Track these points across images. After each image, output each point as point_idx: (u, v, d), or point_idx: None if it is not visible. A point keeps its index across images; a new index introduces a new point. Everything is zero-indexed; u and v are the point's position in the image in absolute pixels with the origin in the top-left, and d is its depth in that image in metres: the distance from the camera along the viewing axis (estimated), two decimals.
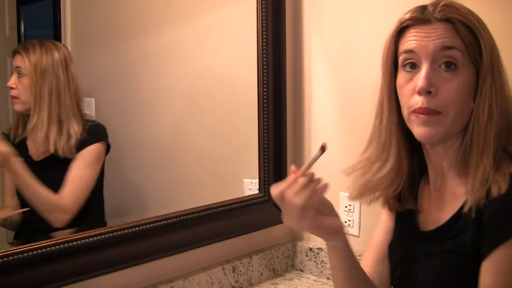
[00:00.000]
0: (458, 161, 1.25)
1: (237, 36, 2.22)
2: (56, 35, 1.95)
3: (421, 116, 1.22)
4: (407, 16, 1.27)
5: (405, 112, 1.27)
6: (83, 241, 1.62)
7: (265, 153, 2.14)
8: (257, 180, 2.16)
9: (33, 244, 1.53)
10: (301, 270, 2.22)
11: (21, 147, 1.80)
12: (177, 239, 1.85)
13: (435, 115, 1.20)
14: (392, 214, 1.48)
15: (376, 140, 1.36)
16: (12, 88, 1.82)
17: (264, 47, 2.10)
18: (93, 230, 1.67)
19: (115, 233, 1.70)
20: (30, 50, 1.82)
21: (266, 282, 2.11)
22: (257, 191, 2.16)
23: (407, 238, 1.38)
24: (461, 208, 1.21)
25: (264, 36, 2.09)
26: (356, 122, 2.08)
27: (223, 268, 1.98)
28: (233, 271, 2.01)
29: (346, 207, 2.11)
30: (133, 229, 1.75)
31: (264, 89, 2.11)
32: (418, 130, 1.24)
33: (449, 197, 1.28)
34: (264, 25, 2.09)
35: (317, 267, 2.18)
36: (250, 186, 2.18)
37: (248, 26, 2.11)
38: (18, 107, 1.84)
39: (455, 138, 1.26)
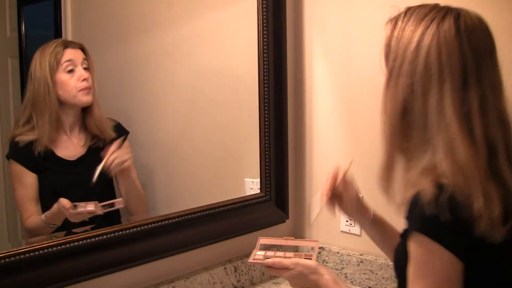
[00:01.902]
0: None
1: (238, 36, 2.22)
2: (57, 36, 1.95)
3: None
4: None
5: None
6: (85, 241, 1.63)
7: (266, 152, 2.14)
8: (259, 179, 2.16)
9: (35, 244, 1.53)
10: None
11: (46, 153, 1.81)
12: (178, 239, 1.85)
13: None
14: None
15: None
16: (85, 80, 1.86)
17: (265, 47, 2.10)
18: (94, 231, 1.67)
19: (116, 233, 1.71)
20: (83, 45, 1.89)
21: (267, 282, 2.11)
22: (258, 191, 2.16)
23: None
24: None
25: (265, 35, 2.09)
26: (357, 120, 2.08)
27: (225, 268, 1.98)
28: (235, 271, 2.01)
29: None
30: (135, 229, 1.75)
31: (265, 89, 2.11)
32: None
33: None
34: (265, 24, 2.09)
35: None
36: (252, 186, 2.18)
37: (249, 26, 2.11)
38: (90, 97, 1.89)
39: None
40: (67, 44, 1.86)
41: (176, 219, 1.87)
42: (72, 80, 1.84)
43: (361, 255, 2.07)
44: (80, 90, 1.85)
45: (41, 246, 1.54)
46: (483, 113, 1.19)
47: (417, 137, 1.25)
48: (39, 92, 1.80)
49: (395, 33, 1.31)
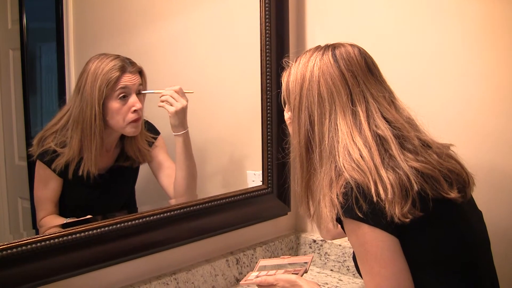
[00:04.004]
0: None
1: (239, 27, 2.21)
2: (59, 28, 1.95)
3: None
4: None
5: None
6: (87, 233, 1.63)
7: (269, 145, 2.14)
8: (261, 172, 2.16)
9: (36, 236, 1.53)
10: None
11: (77, 162, 1.80)
12: (180, 231, 1.85)
13: None
14: None
15: None
16: (139, 110, 1.84)
17: (267, 38, 2.09)
18: (96, 223, 1.67)
19: (118, 225, 1.70)
20: (142, 68, 1.88)
21: None
22: (260, 183, 2.15)
23: None
24: None
25: (267, 26, 2.09)
26: None
27: (227, 260, 1.98)
28: (237, 263, 2.01)
29: None
30: (136, 221, 1.75)
31: (268, 80, 2.11)
32: None
33: None
34: (267, 16, 2.08)
35: (320, 259, 2.17)
36: (254, 178, 2.18)
37: (251, 17, 2.10)
38: (138, 130, 1.89)
39: None
40: (125, 68, 1.81)
41: (178, 211, 1.86)
42: (124, 110, 1.81)
43: None
44: (130, 122, 1.82)
45: (43, 238, 1.54)
46: (369, 119, 1.40)
47: (321, 155, 1.42)
48: (85, 114, 1.77)
49: (290, 78, 1.51)
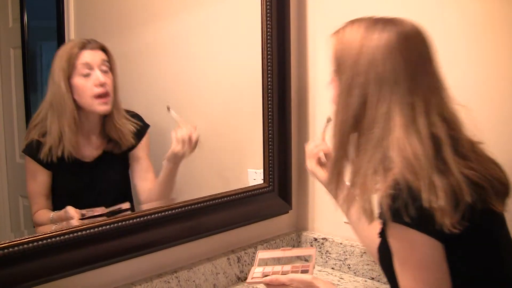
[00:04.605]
0: None
1: (241, 25, 2.21)
2: (60, 26, 1.95)
3: None
4: None
5: None
6: (88, 231, 1.62)
7: (270, 143, 2.14)
8: (262, 170, 2.15)
9: (38, 234, 1.53)
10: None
11: (64, 154, 1.80)
12: (181, 229, 1.85)
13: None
14: None
15: None
16: (103, 85, 1.82)
17: (268, 36, 2.09)
18: (97, 221, 1.67)
19: (120, 224, 1.70)
20: (104, 45, 1.85)
21: None
22: (261, 181, 2.15)
23: None
24: None
25: (268, 25, 2.09)
26: None
27: (228, 258, 1.98)
28: (238, 261, 2.01)
29: None
30: (137, 219, 1.75)
31: (269, 79, 2.10)
32: None
33: None
34: (268, 13, 2.08)
35: (321, 257, 2.17)
36: (255, 176, 2.18)
37: (252, 15, 2.10)
38: (109, 106, 1.86)
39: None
40: (84, 45, 1.80)
41: (178, 210, 1.86)
42: (88, 86, 1.79)
43: (364, 246, 2.07)
44: (97, 97, 1.81)
45: (44, 236, 1.53)
46: (427, 114, 1.30)
47: (367, 141, 1.33)
48: (55, 96, 1.77)
49: (345, 45, 1.41)
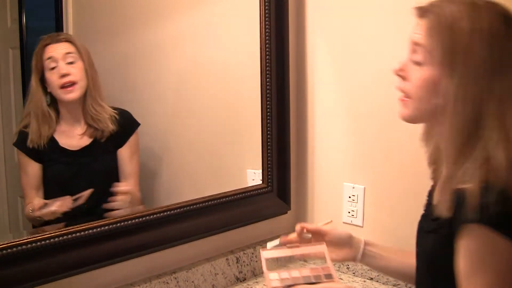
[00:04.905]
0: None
1: (240, 26, 2.21)
2: (58, 27, 1.95)
3: (399, 98, 1.36)
4: None
5: None
6: (87, 232, 1.62)
7: (268, 143, 2.14)
8: (261, 170, 2.15)
9: (35, 235, 1.53)
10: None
11: (51, 143, 1.85)
12: (180, 230, 1.85)
13: (403, 99, 1.35)
14: None
15: None
16: (67, 75, 1.85)
17: (267, 37, 2.09)
18: (97, 222, 1.67)
19: (118, 224, 1.70)
20: (70, 37, 1.90)
21: None
22: (260, 182, 2.15)
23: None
24: None
25: (267, 26, 2.08)
26: (359, 111, 2.07)
27: (227, 259, 1.98)
28: (237, 262, 2.01)
29: (349, 197, 2.11)
30: (136, 220, 1.75)
31: (267, 79, 2.10)
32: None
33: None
34: (267, 14, 2.08)
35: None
36: (254, 177, 2.18)
37: (251, 16, 2.10)
38: (76, 94, 1.88)
39: (426, 121, 1.39)
40: (49, 41, 1.85)
41: (177, 210, 1.86)
42: (55, 78, 1.84)
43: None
44: (62, 87, 1.85)
45: (43, 237, 1.53)
46: None
47: (476, 140, 1.23)
48: (30, 91, 1.84)
49: (446, 29, 1.24)
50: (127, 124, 1.97)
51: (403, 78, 1.34)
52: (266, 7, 2.08)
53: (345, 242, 1.60)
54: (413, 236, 1.94)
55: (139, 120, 2.00)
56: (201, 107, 2.19)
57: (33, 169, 1.84)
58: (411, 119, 1.36)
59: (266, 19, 2.08)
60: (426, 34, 1.28)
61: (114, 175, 1.96)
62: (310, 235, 1.63)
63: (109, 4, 2.09)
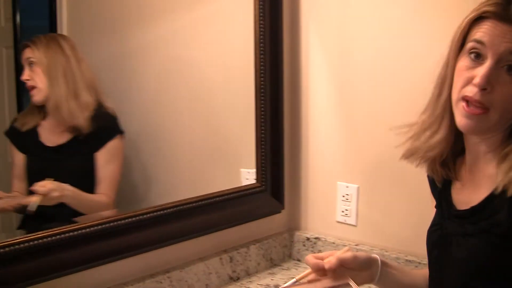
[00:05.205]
0: (498, 149, 1.31)
1: (234, 25, 2.21)
2: (52, 26, 1.95)
3: (468, 109, 1.26)
4: (489, 8, 1.26)
5: (455, 95, 1.31)
6: (80, 231, 1.62)
7: (262, 143, 2.14)
8: (255, 170, 2.16)
9: (28, 235, 1.53)
10: (299, 260, 2.22)
11: (31, 134, 1.89)
12: (174, 230, 1.85)
13: (481, 113, 1.25)
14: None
15: (431, 110, 1.41)
16: (27, 80, 1.87)
17: (261, 36, 2.09)
18: (90, 221, 1.67)
19: (112, 224, 1.70)
20: (36, 40, 1.88)
21: (263, 272, 2.11)
22: (254, 181, 2.16)
23: (445, 219, 1.42)
24: (496, 189, 1.25)
25: (261, 25, 2.08)
26: (353, 111, 2.08)
27: (221, 258, 1.98)
28: (231, 261, 2.01)
29: (343, 196, 2.11)
30: (130, 219, 1.75)
31: (262, 78, 2.10)
32: (461, 120, 1.29)
33: (484, 179, 1.33)
34: (261, 14, 2.08)
35: None
36: (248, 176, 2.18)
37: (246, 15, 2.10)
38: (38, 97, 1.89)
39: (498, 130, 1.30)
40: (22, 46, 1.89)
41: (171, 209, 1.86)
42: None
43: (356, 245, 2.08)
44: (29, 92, 1.88)
45: (36, 236, 1.53)
46: None
47: None
48: None
49: None
50: (105, 129, 1.98)
51: (487, 90, 1.24)
52: (261, 6, 2.08)
53: (366, 266, 1.45)
54: (407, 235, 1.96)
55: (133, 119, 2.00)
56: (195, 107, 2.19)
57: (18, 159, 1.89)
58: (486, 132, 1.30)
59: (261, 17, 2.08)
60: None
61: (87, 177, 1.96)
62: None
63: (103, 3, 2.09)
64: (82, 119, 1.92)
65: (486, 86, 1.23)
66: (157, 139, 2.15)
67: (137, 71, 2.13)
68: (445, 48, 1.82)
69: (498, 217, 1.25)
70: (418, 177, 1.93)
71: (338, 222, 2.15)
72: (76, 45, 1.92)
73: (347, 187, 2.11)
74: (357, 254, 1.43)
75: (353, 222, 2.11)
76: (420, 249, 1.92)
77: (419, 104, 1.90)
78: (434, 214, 1.51)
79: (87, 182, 1.94)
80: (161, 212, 1.83)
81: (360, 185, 2.09)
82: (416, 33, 1.90)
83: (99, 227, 1.67)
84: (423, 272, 1.55)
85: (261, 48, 2.10)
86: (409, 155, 1.50)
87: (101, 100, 1.96)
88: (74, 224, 1.63)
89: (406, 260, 1.93)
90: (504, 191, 1.22)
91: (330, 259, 1.38)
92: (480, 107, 1.25)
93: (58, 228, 1.59)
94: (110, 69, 2.07)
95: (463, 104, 1.27)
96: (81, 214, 1.85)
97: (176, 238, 1.87)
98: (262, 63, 2.10)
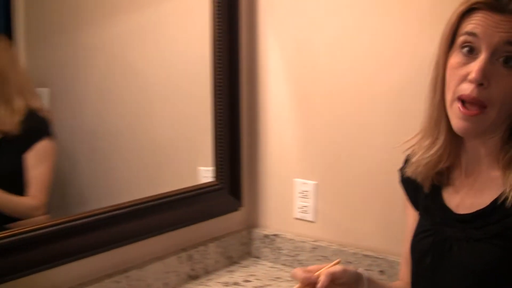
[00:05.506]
0: (499, 151, 1.26)
1: (191, 23, 2.20)
2: (8, 26, 1.91)
3: (464, 110, 1.20)
4: None
5: (449, 95, 1.25)
6: (36, 232, 1.59)
7: (220, 141, 2.14)
8: (212, 168, 2.16)
9: None
10: (257, 257, 2.23)
11: None
12: (131, 229, 1.84)
13: (478, 113, 1.19)
14: (415, 213, 1.47)
15: (428, 115, 1.34)
16: None
17: (219, 35, 2.09)
18: (46, 222, 1.65)
19: (68, 224, 1.68)
20: None
21: (222, 270, 2.11)
22: (212, 179, 2.16)
23: (440, 225, 1.35)
24: (504, 193, 1.20)
25: (219, 22, 2.08)
26: (310, 108, 2.09)
27: (179, 257, 1.97)
28: (189, 260, 2.01)
29: (301, 193, 2.12)
30: (87, 219, 1.72)
31: (219, 76, 2.10)
32: (457, 122, 1.23)
33: (487, 183, 1.28)
34: (218, 13, 2.08)
35: (272, 254, 2.19)
36: (206, 174, 2.18)
37: (202, 14, 2.10)
38: None
39: (497, 130, 1.25)
40: None
41: (129, 209, 1.85)
42: None
43: (314, 241, 2.09)
44: None
45: None
46: None
47: None
48: None
49: None
50: (34, 131, 1.94)
51: (483, 86, 1.18)
52: (218, 5, 2.08)
53: (354, 280, 1.36)
54: (365, 230, 1.98)
55: (91, 118, 1.98)
56: (152, 106, 2.18)
57: None
58: (485, 131, 1.25)
59: (218, 17, 2.08)
60: None
61: (16, 180, 1.93)
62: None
63: (61, 2, 2.06)
64: (11, 124, 1.87)
65: (483, 80, 1.17)
66: (114, 138, 2.12)
67: (94, 69, 2.10)
68: (401, 44, 1.87)
69: (510, 221, 1.18)
70: (376, 173, 1.96)
71: (297, 218, 2.16)
72: (11, 47, 1.87)
73: (304, 183, 2.12)
74: (346, 268, 1.35)
75: (312, 219, 2.12)
76: (378, 244, 1.96)
77: (375, 101, 1.94)
78: (418, 221, 1.43)
79: (16, 185, 1.90)
80: (117, 211, 1.81)
81: (318, 182, 2.10)
82: (370, 31, 1.93)
83: (55, 227, 1.64)
84: (400, 284, 1.52)
85: (219, 46, 2.10)
86: (416, 172, 1.40)
87: (34, 103, 1.90)
88: (28, 226, 1.60)
89: (364, 255, 1.95)
90: None
91: (321, 278, 1.29)
92: (477, 105, 1.18)
93: (10, 230, 1.57)
94: (67, 67, 2.04)
95: (458, 105, 1.21)
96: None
97: (133, 237, 1.85)
98: (219, 61, 2.10)
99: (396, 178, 1.53)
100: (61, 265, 1.65)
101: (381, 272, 1.91)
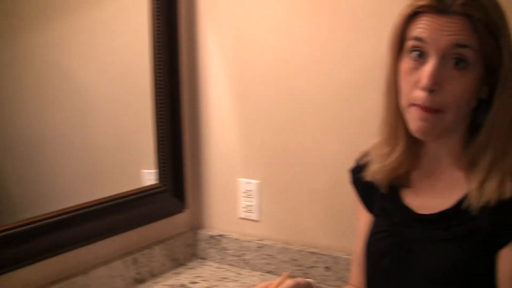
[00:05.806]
0: (461, 152, 1.24)
1: (129, 23, 2.18)
2: None
3: (419, 113, 1.17)
4: (423, 2, 1.16)
5: (403, 101, 1.22)
6: None
7: (162, 143, 2.13)
8: (155, 170, 2.14)
9: None
10: (203, 258, 2.22)
11: None
12: (74, 235, 1.81)
13: (434, 114, 1.17)
14: (367, 215, 1.44)
15: (386, 119, 1.31)
16: None
17: (158, 36, 2.08)
18: None
19: (10, 231, 1.64)
20: None
21: (168, 272, 2.10)
22: (156, 182, 2.14)
23: (399, 225, 1.32)
24: (469, 195, 1.19)
25: (158, 22, 2.07)
26: (251, 108, 2.10)
27: (124, 261, 1.95)
28: (134, 263, 1.99)
29: (245, 192, 2.13)
30: (29, 226, 1.69)
31: (159, 78, 2.09)
32: (415, 124, 1.19)
33: (450, 183, 1.26)
34: (158, 10, 2.07)
35: (218, 254, 2.19)
36: (149, 177, 2.16)
37: (141, 12, 2.09)
38: None
39: (457, 129, 1.24)
40: None
41: (72, 214, 1.81)
42: None
43: (260, 240, 2.10)
44: None
45: None
46: None
47: None
48: None
49: (483, 19, 1.14)
50: None
51: (435, 91, 1.15)
52: (158, 5, 2.07)
53: None
54: (310, 227, 2.00)
55: (34, 122, 1.94)
56: (93, 110, 2.15)
57: None
58: (443, 133, 1.22)
59: (157, 15, 2.07)
60: (470, 33, 1.14)
61: None
62: None
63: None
64: None
65: (434, 87, 1.14)
66: (56, 143, 2.09)
67: (33, 73, 2.05)
68: (337, 42, 1.89)
69: (477, 223, 1.16)
70: (318, 170, 1.99)
71: (241, 218, 2.17)
72: None
73: (248, 183, 2.13)
74: (298, 280, 1.29)
75: (256, 218, 2.13)
76: (322, 241, 1.98)
77: (316, 98, 1.96)
78: (374, 222, 1.40)
79: None
80: (60, 217, 1.78)
81: (262, 181, 2.11)
82: (305, 30, 1.95)
83: None
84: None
85: (158, 46, 2.09)
86: (374, 177, 1.37)
87: None
88: None
89: (309, 252, 1.97)
90: (480, 198, 1.16)
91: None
92: (431, 111, 1.16)
93: None
94: (4, 71, 2.00)
95: (414, 107, 1.18)
96: None
97: (77, 243, 1.82)
98: (159, 61, 2.09)
99: (339, 174, 1.55)
100: (1, 275, 1.61)
101: (327, 268, 1.94)
